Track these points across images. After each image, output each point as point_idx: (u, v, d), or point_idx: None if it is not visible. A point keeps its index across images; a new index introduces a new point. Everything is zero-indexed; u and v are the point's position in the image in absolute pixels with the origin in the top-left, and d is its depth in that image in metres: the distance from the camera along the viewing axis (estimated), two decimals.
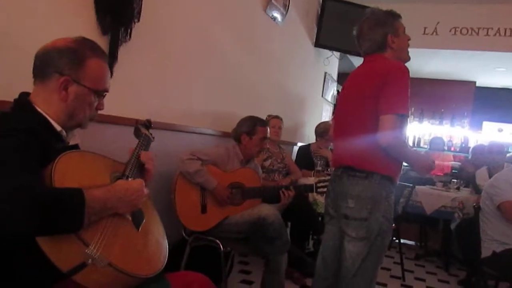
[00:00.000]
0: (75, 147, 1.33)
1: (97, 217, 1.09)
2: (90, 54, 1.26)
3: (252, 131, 2.78)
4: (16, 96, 1.29)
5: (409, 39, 2.00)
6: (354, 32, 2.04)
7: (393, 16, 1.98)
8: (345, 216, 1.90)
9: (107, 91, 1.34)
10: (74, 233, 1.03)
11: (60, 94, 1.23)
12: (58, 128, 1.25)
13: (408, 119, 1.88)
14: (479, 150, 4.90)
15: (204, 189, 2.55)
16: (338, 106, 2.15)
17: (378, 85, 1.79)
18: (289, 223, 3.53)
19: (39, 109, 1.23)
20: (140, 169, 1.38)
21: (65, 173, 1.10)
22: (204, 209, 2.53)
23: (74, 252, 1.03)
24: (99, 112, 1.38)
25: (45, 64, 1.23)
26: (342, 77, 7.21)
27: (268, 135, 2.83)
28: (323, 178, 2.93)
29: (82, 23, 1.93)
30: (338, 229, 1.99)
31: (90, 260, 1.03)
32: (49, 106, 1.23)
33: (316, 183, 2.80)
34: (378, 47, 1.95)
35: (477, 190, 4.29)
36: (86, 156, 1.26)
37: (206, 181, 2.51)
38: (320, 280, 2.10)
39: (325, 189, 2.71)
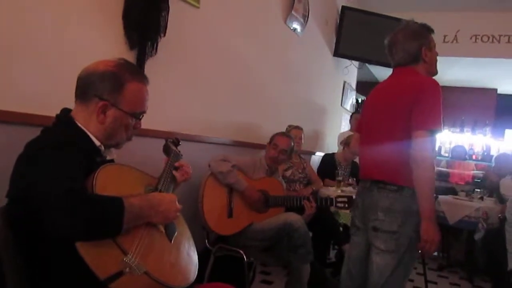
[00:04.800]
0: (111, 161, 1.38)
1: (134, 224, 1.13)
2: (129, 78, 1.30)
3: (271, 139, 2.91)
4: (49, 110, 1.35)
5: (437, 54, 2.00)
6: (386, 42, 2.01)
7: (427, 30, 1.97)
8: (375, 228, 1.88)
9: (144, 112, 1.38)
10: (114, 237, 1.07)
11: (98, 116, 1.28)
12: (98, 143, 1.30)
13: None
14: (503, 159, 4.82)
15: (231, 194, 2.59)
16: (364, 118, 2.12)
17: (411, 100, 1.78)
18: (310, 233, 3.52)
19: (80, 125, 1.28)
20: (173, 182, 1.43)
21: (105, 183, 1.16)
22: (230, 214, 2.57)
23: (112, 260, 1.07)
24: None
25: (86, 87, 1.28)
26: (361, 86, 7.21)
27: (285, 147, 2.83)
28: (342, 194, 2.93)
29: (111, 39, 2.00)
30: (364, 241, 1.98)
31: (127, 268, 1.06)
32: (88, 125, 1.29)
33: (336, 198, 2.80)
34: (411, 59, 1.93)
35: (501, 200, 4.21)
36: (123, 169, 1.32)
37: (237, 181, 2.58)
38: None
39: (345, 204, 2.74)
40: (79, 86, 1.29)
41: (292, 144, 2.90)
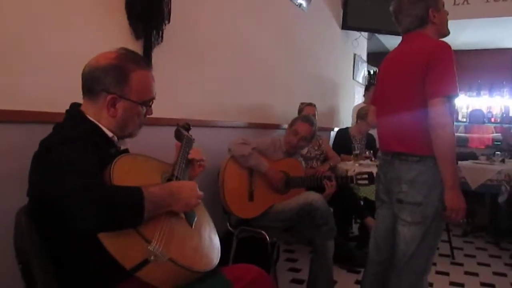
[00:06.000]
0: (126, 151, 1.39)
1: (155, 213, 1.14)
2: (133, 67, 1.29)
3: (292, 123, 2.85)
4: (59, 107, 1.36)
5: (447, 14, 1.92)
6: (391, 8, 1.94)
7: None
8: (399, 200, 1.86)
9: (153, 98, 1.38)
10: (136, 227, 1.09)
11: (109, 111, 1.28)
12: (110, 134, 1.31)
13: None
14: None
15: (251, 176, 2.60)
16: (378, 89, 2.07)
17: (423, 67, 1.72)
18: (331, 209, 3.52)
19: (90, 118, 1.29)
20: (188, 168, 1.43)
21: (122, 175, 1.17)
22: (251, 197, 2.58)
23: (137, 249, 1.09)
24: None
25: (92, 83, 1.28)
26: (372, 57, 7.09)
27: (306, 134, 2.78)
28: (362, 171, 2.88)
29: (117, 31, 1.99)
30: (390, 213, 1.96)
31: (152, 256, 1.08)
32: (100, 119, 1.30)
33: (355, 175, 2.78)
34: (419, 23, 1.86)
35: None
36: (138, 159, 1.33)
37: (259, 163, 2.58)
38: (374, 265, 2.09)
39: (365, 181, 2.70)
40: (84, 83, 1.30)
41: (314, 129, 2.83)
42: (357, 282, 3.01)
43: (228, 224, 2.63)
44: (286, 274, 3.11)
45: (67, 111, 1.33)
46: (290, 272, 3.17)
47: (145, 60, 1.38)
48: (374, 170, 2.61)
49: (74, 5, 1.77)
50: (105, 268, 1.13)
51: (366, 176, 2.72)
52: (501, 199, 3.88)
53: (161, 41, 2.19)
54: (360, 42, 6.09)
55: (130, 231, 1.08)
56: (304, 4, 4.02)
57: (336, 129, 5.03)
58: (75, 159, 1.12)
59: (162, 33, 2.19)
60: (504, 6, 5.49)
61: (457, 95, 1.74)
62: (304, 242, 2.77)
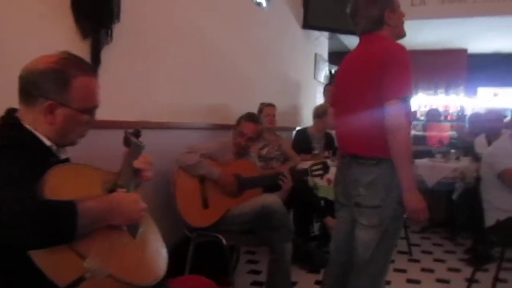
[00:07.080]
0: (66, 160, 1.30)
1: (91, 228, 1.07)
2: (75, 73, 1.21)
3: (237, 124, 2.77)
4: None
5: (403, 15, 1.93)
6: (348, 10, 1.94)
7: None
8: (357, 204, 1.86)
9: (97, 106, 1.30)
10: (68, 244, 1.01)
11: (46, 117, 1.19)
12: (48, 143, 1.22)
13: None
14: (475, 118, 4.88)
15: (203, 184, 2.53)
16: (337, 91, 2.06)
17: (380, 69, 1.72)
18: (291, 210, 3.51)
19: (27, 126, 1.20)
20: (135, 176, 1.36)
21: (56, 187, 1.08)
22: (205, 204, 2.52)
23: (71, 267, 1.01)
24: None
25: (29, 87, 1.19)
26: (333, 57, 7.15)
27: (252, 134, 2.70)
28: (315, 162, 2.88)
29: (62, 30, 1.89)
30: (350, 216, 1.96)
31: (88, 273, 1.01)
32: (37, 126, 1.20)
33: (310, 167, 2.76)
34: (375, 25, 1.86)
35: (477, 158, 4.27)
36: (76, 169, 1.24)
37: (209, 171, 2.52)
38: (335, 266, 2.09)
39: (320, 172, 2.71)
40: (21, 88, 1.20)
41: (260, 128, 2.76)
42: (317, 282, 3.01)
43: (185, 228, 2.57)
44: (247, 277, 3.08)
45: (1, 117, 1.24)
46: (250, 274, 3.14)
47: (90, 65, 1.29)
48: (333, 170, 2.61)
49: (12, 2, 1.65)
50: (41, 286, 1.05)
51: (320, 165, 2.71)
52: (455, 195, 4.01)
53: (111, 40, 2.10)
54: (321, 42, 6.13)
55: (63, 247, 1.00)
56: (263, 3, 3.99)
57: (298, 128, 5.05)
58: (6, 170, 1.03)
59: (112, 32, 2.09)
60: (459, 7, 5.67)
61: (411, 97, 1.76)
62: (262, 244, 2.74)
